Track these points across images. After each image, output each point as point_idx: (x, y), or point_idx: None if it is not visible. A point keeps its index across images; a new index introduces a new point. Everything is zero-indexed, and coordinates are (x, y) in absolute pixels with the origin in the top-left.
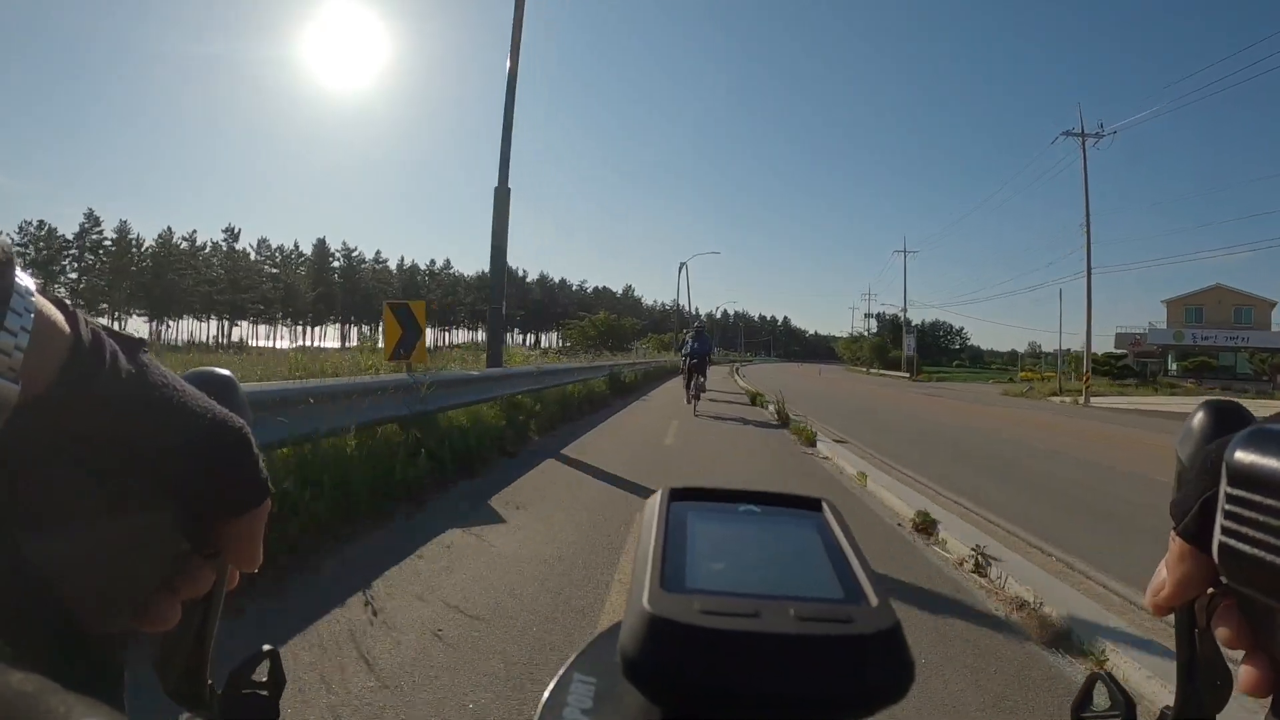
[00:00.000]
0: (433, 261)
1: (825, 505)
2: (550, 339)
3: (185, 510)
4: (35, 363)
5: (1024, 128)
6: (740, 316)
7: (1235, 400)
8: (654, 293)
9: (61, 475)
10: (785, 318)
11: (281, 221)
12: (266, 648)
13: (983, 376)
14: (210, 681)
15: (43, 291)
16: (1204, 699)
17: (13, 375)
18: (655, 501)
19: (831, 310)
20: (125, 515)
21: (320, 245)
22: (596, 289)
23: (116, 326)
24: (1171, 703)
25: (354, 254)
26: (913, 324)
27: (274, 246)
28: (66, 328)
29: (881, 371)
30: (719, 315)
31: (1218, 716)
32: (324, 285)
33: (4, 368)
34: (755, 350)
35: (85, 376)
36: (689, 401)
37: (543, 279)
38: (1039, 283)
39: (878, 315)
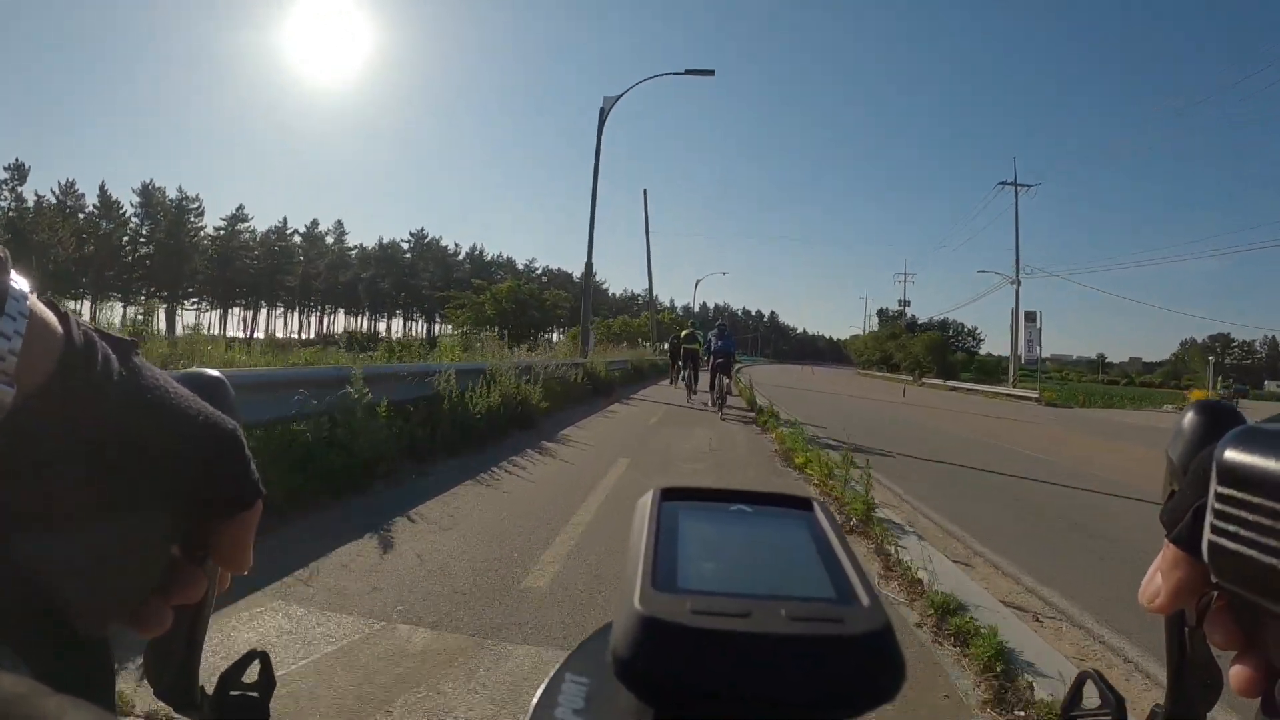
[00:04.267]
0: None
1: (816, 505)
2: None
3: (177, 512)
4: (28, 365)
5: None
6: (722, 311)
7: (1226, 402)
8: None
9: (54, 477)
10: (773, 313)
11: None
12: (257, 650)
13: (1116, 397)
14: (201, 684)
15: (35, 293)
16: (1194, 698)
17: (7, 379)
18: (646, 501)
19: (823, 307)
20: (117, 517)
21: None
22: (549, 270)
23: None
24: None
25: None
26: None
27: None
28: (59, 330)
29: (906, 378)
30: (697, 309)
31: (1207, 715)
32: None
33: None
34: (741, 349)
35: (77, 378)
36: (713, 404)
37: (477, 254)
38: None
39: (888, 311)
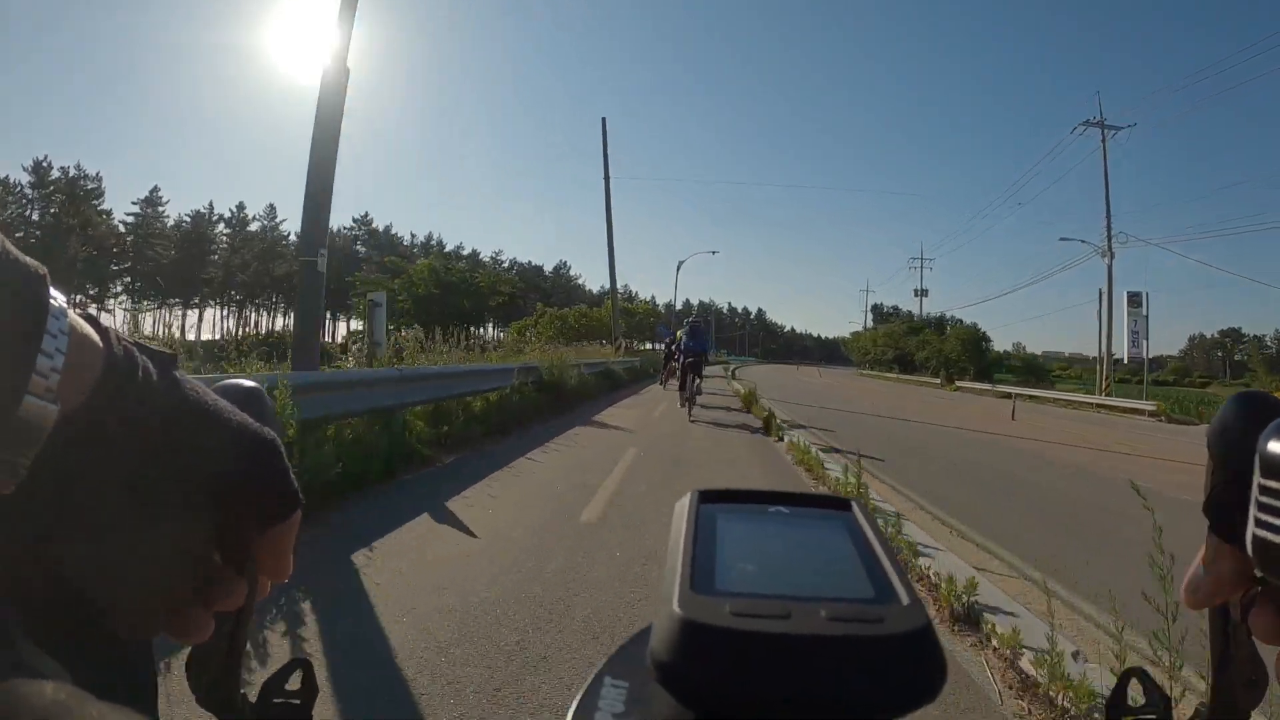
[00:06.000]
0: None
1: (855, 505)
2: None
3: (218, 521)
4: (70, 381)
5: (1017, 124)
6: (707, 307)
7: (1268, 393)
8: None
9: (97, 489)
10: (760, 310)
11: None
12: (299, 658)
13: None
14: (243, 691)
15: (73, 306)
16: (1239, 695)
17: (51, 396)
18: (684, 504)
19: (812, 304)
20: (159, 527)
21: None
22: (519, 264)
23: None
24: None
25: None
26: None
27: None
28: (100, 344)
29: (932, 381)
30: (680, 306)
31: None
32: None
33: (42, 389)
34: (726, 347)
35: (118, 392)
36: (683, 405)
37: (433, 244)
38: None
39: (883, 307)
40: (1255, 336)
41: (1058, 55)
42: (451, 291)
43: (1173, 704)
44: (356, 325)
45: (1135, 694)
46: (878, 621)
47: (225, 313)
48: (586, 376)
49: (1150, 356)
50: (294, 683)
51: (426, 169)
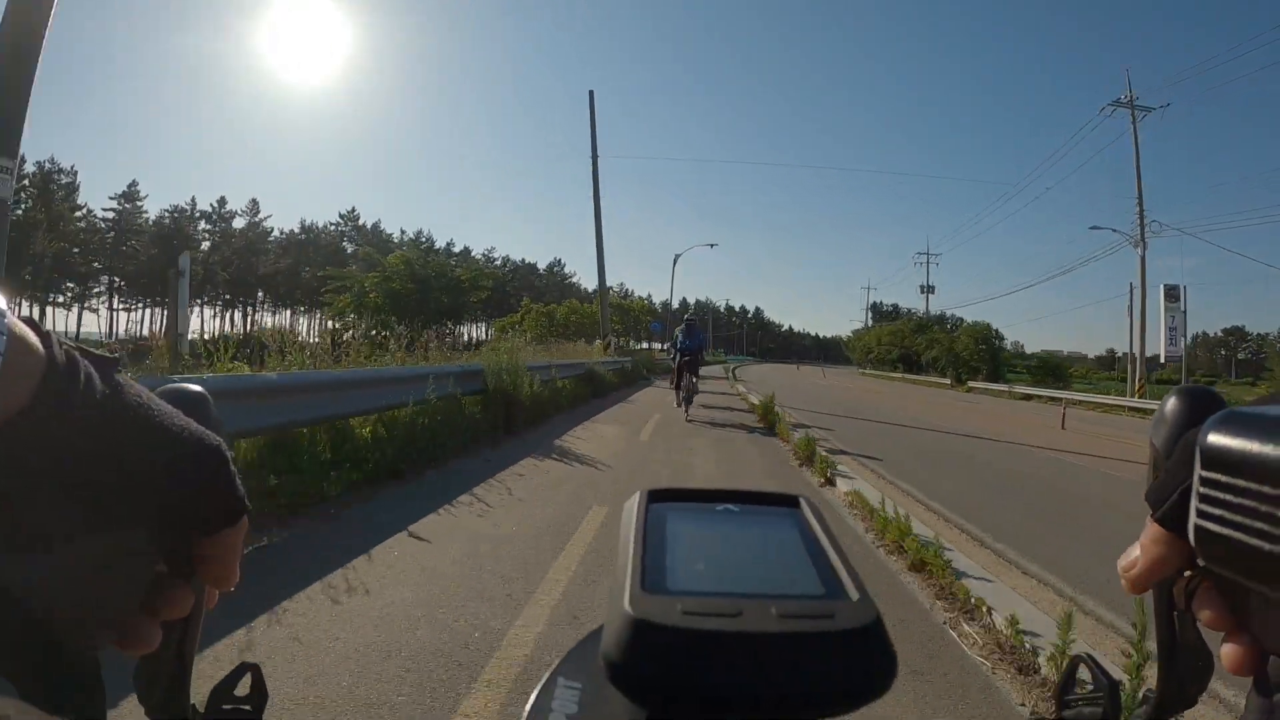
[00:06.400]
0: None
1: (803, 502)
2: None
3: (163, 529)
4: (8, 384)
5: (1018, 124)
6: (704, 306)
7: (1208, 387)
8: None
9: (37, 498)
10: (757, 308)
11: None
12: (248, 662)
13: None
14: (192, 701)
15: (15, 312)
16: (1186, 680)
17: None
18: (633, 503)
19: (810, 303)
20: (103, 536)
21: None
22: (513, 261)
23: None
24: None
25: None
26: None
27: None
28: (40, 348)
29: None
30: (676, 305)
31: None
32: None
33: None
34: (723, 346)
35: (60, 397)
36: (679, 405)
37: (423, 241)
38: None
39: (882, 305)
40: (1259, 335)
41: (1058, 53)
42: (429, 286)
43: (1120, 688)
44: (333, 324)
45: (1085, 680)
46: (828, 618)
47: (214, 312)
48: (561, 382)
49: (1149, 355)
50: (243, 688)
51: (420, 165)
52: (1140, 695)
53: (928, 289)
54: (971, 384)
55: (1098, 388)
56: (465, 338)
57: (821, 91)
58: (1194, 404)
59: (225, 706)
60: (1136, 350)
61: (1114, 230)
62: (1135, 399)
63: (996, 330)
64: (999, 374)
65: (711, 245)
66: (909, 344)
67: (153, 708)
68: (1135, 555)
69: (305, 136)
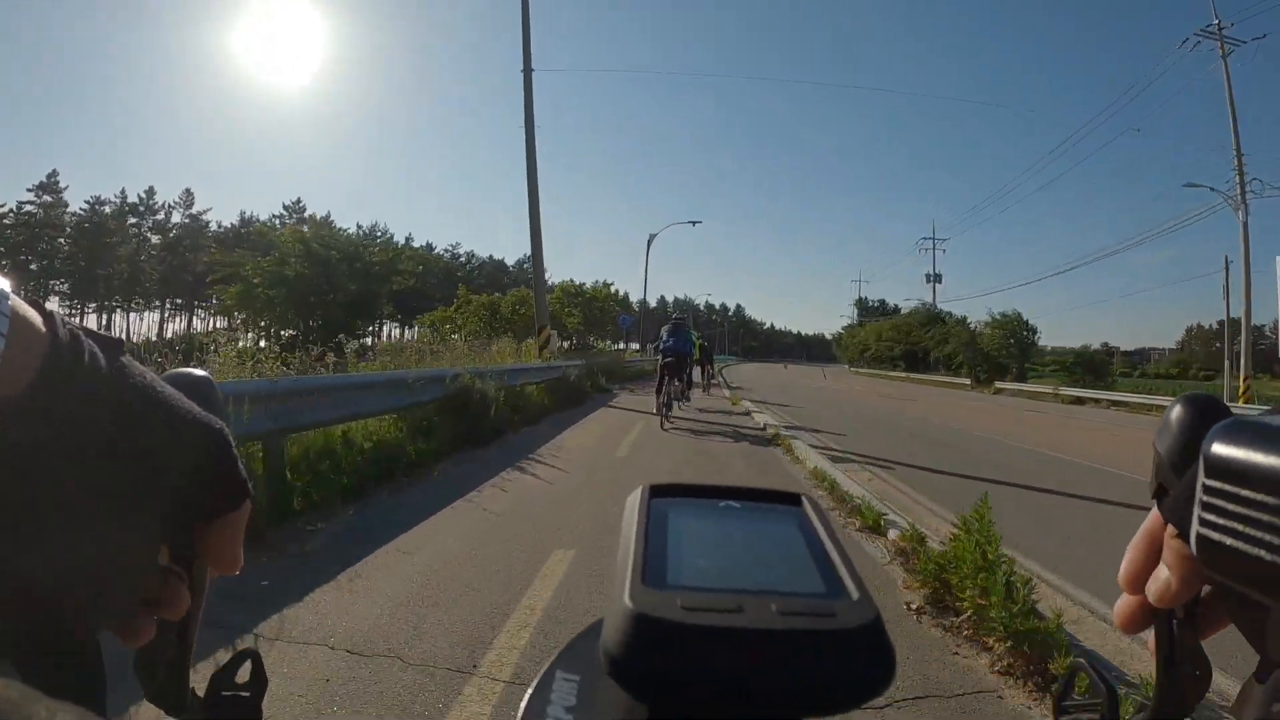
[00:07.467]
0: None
1: (805, 500)
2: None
3: (165, 513)
4: (12, 365)
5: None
6: (682, 303)
7: (1212, 395)
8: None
9: (40, 479)
10: (739, 306)
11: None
12: (248, 649)
13: None
14: (192, 686)
15: (18, 292)
16: (1184, 689)
17: None
18: (635, 498)
19: (793, 301)
20: (105, 519)
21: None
22: (478, 258)
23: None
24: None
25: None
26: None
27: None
28: (43, 329)
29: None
30: (654, 303)
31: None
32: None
33: None
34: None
35: (63, 378)
36: (658, 412)
37: (378, 236)
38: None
39: (867, 300)
40: (1257, 327)
41: (1057, 52)
42: (333, 271)
43: (1119, 698)
44: (220, 323)
45: (1083, 687)
46: (829, 616)
47: (157, 315)
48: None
49: (1140, 348)
50: (243, 674)
51: (379, 158)
52: (1139, 703)
53: (934, 277)
54: (999, 384)
55: (1148, 386)
56: (382, 339)
57: (812, 87)
58: (1199, 412)
59: (225, 693)
60: (1246, 337)
61: (1211, 188)
62: (1240, 404)
63: (1027, 321)
64: (1024, 372)
65: (694, 223)
66: (915, 339)
67: (152, 692)
68: (1164, 576)
69: (253, 126)
